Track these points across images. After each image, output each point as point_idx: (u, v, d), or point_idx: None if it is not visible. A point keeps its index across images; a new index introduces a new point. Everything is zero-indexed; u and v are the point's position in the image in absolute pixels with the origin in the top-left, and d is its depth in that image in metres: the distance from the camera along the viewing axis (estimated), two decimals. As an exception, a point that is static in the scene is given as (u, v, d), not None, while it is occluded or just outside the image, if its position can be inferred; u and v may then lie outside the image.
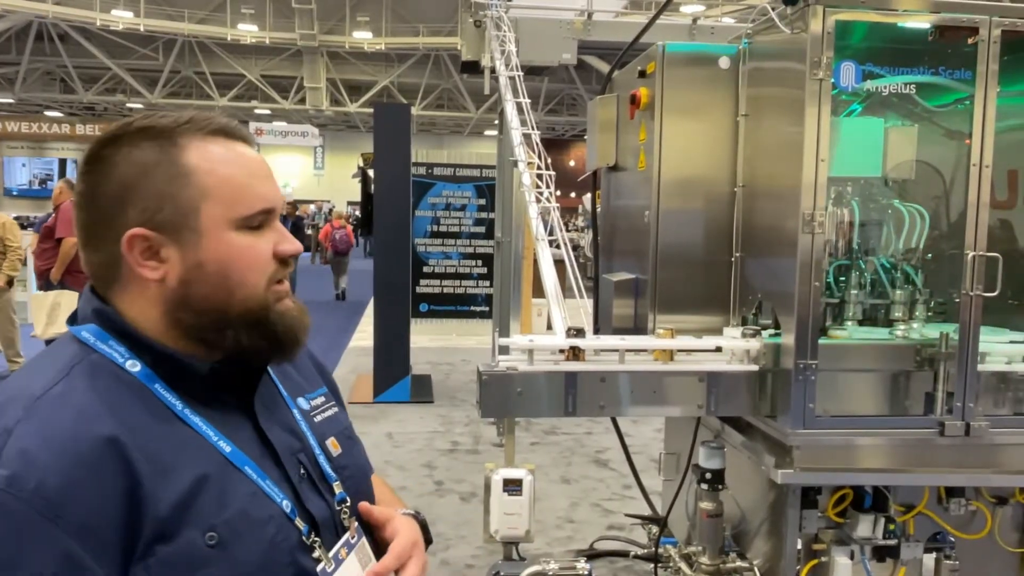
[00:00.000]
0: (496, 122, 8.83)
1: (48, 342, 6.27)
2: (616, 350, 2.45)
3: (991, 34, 2.22)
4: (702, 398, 2.39)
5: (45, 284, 6.91)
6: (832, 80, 2.19)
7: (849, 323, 2.51)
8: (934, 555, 2.47)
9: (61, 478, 0.85)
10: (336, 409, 1.23)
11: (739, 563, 2.57)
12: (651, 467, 4.46)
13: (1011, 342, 2.44)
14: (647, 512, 3.70)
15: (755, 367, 2.39)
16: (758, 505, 2.56)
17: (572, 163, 27.73)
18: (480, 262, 9.90)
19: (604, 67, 6.30)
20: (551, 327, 4.19)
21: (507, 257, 8.01)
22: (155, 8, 23.64)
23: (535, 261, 5.21)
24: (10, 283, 7.40)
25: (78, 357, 0.96)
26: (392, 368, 7.25)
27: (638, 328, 2.83)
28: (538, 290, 5.46)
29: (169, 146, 0.99)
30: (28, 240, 8.49)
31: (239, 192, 1.01)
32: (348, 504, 1.12)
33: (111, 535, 0.87)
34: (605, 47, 6.59)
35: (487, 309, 9.73)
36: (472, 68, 7.39)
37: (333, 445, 1.16)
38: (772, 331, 2.40)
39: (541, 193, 4.66)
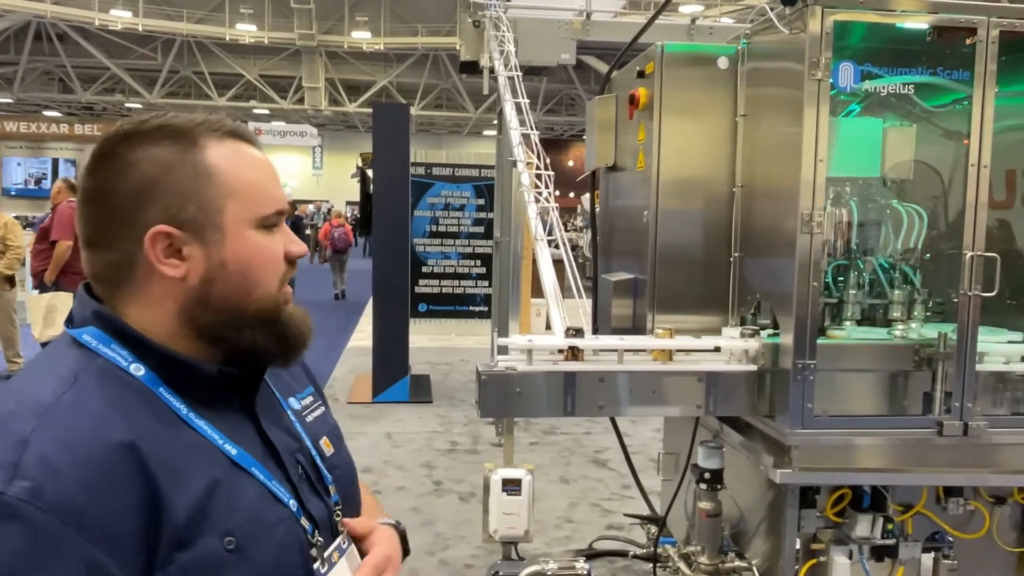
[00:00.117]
0: (495, 122, 8.84)
1: (45, 345, 6.26)
2: (615, 350, 2.46)
3: (989, 34, 2.23)
4: (701, 398, 2.39)
5: (40, 285, 6.89)
6: (831, 80, 2.19)
7: (848, 323, 2.51)
8: (932, 555, 2.47)
9: (83, 487, 0.84)
10: (324, 408, 1.24)
11: (738, 563, 2.57)
12: (650, 467, 4.47)
13: (1009, 342, 2.44)
14: (646, 512, 3.71)
15: (754, 367, 2.39)
16: (757, 505, 2.56)
17: (571, 163, 27.70)
18: (479, 262, 9.91)
19: (603, 67, 6.31)
20: (550, 327, 4.19)
21: (506, 257, 8.01)
22: (154, 8, 23.62)
23: (534, 261, 5.22)
24: (12, 283, 7.38)
25: (83, 362, 0.95)
26: (391, 368, 7.25)
27: (637, 328, 2.83)
28: (537, 290, 5.46)
29: (189, 145, 0.99)
30: (28, 239, 8.47)
31: (257, 193, 1.02)
32: (340, 507, 1.13)
33: (134, 543, 0.86)
34: (604, 47, 6.59)
35: (486, 309, 9.74)
36: (471, 68, 7.39)
37: (326, 445, 1.16)
38: (771, 331, 2.40)
39: (540, 193, 4.66)
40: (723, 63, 2.64)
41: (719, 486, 2.60)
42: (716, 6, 13.76)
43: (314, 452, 1.12)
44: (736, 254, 2.64)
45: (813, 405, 2.23)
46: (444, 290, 10.00)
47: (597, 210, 3.50)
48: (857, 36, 2.47)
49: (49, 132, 29.12)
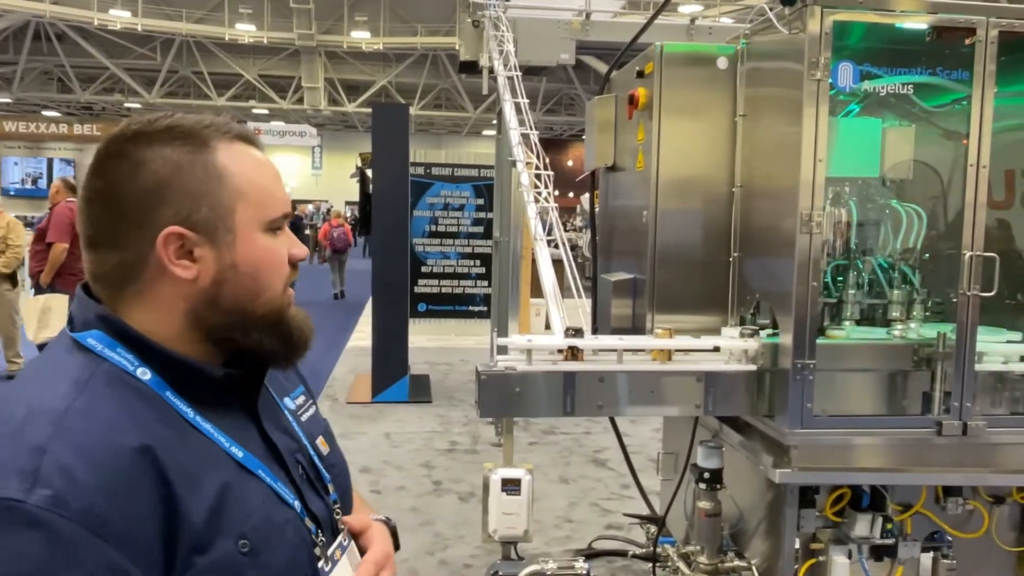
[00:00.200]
0: (494, 122, 8.83)
1: (41, 346, 6.24)
2: (614, 350, 2.46)
3: (988, 35, 2.23)
4: (700, 398, 2.40)
5: (36, 286, 6.89)
6: (830, 80, 2.19)
7: (847, 323, 2.51)
8: (931, 554, 2.47)
9: (104, 493, 0.84)
10: (315, 407, 1.24)
11: (737, 562, 2.57)
12: (649, 467, 4.47)
13: (1008, 342, 2.44)
14: (645, 512, 3.71)
15: (753, 367, 2.39)
16: (756, 504, 2.56)
17: (570, 163, 27.73)
18: (478, 262, 9.91)
19: (602, 67, 6.31)
20: (549, 327, 4.19)
21: (505, 257, 8.00)
22: (153, 8, 23.61)
23: (533, 261, 5.21)
24: (14, 282, 7.37)
25: (89, 366, 0.94)
26: (390, 368, 7.25)
27: (636, 328, 2.83)
28: (536, 290, 5.46)
29: (200, 146, 0.99)
30: (28, 239, 8.46)
31: (266, 196, 1.03)
32: (339, 505, 1.13)
33: (154, 547, 0.86)
34: (603, 47, 6.59)
35: (485, 309, 9.74)
36: (470, 68, 7.38)
37: (322, 444, 1.17)
38: (770, 331, 2.40)
39: (539, 193, 4.66)
40: (722, 63, 2.64)
41: (718, 486, 2.60)
42: (715, 6, 13.75)
43: (312, 452, 1.13)
44: (735, 254, 2.64)
45: (812, 405, 2.23)
46: (443, 290, 10.00)
47: (596, 210, 3.50)
48: (856, 36, 2.48)
49: (48, 132, 29.09)
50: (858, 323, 2.53)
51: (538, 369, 2.39)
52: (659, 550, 2.97)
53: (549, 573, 2.68)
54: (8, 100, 27.83)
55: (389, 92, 26.99)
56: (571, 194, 22.38)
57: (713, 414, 2.53)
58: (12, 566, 0.80)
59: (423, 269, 9.89)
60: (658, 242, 2.69)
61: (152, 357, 0.97)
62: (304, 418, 1.18)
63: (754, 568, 2.52)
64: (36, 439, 0.85)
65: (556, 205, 4.61)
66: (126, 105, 27.17)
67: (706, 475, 2.59)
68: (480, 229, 9.86)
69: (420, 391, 7.53)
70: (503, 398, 2.37)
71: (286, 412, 1.14)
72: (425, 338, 9.50)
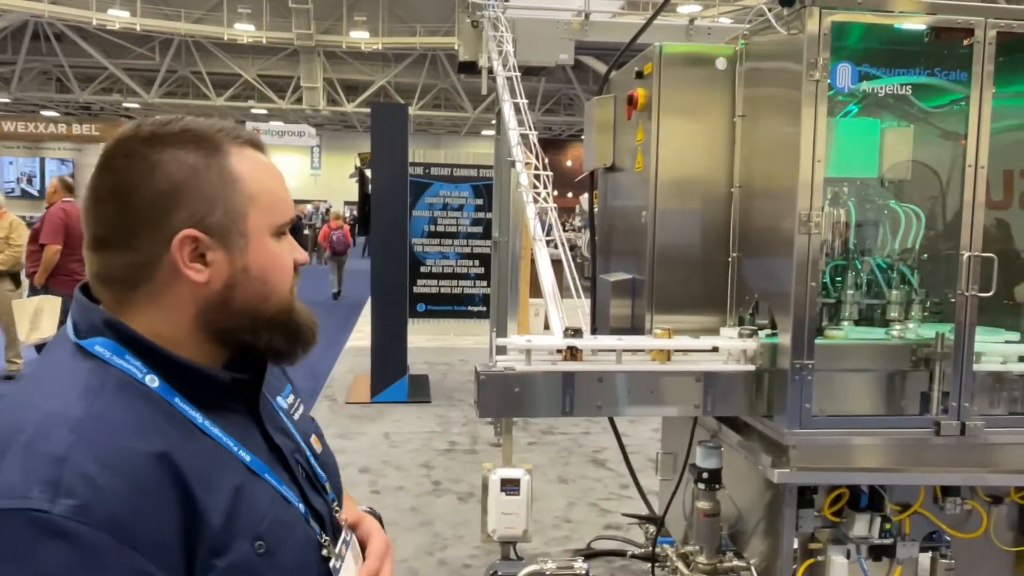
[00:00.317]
0: (493, 122, 8.83)
1: (38, 348, 6.22)
2: (613, 350, 2.46)
3: (986, 35, 2.23)
4: (699, 398, 2.40)
5: (32, 287, 6.88)
6: (828, 81, 2.19)
7: (845, 323, 2.52)
8: (930, 554, 2.48)
9: (126, 500, 0.84)
10: (304, 406, 1.25)
11: (736, 562, 2.57)
12: (648, 467, 4.46)
13: (1006, 342, 2.45)
14: (644, 512, 3.71)
15: (752, 367, 2.40)
16: (755, 504, 2.56)
17: (569, 163, 27.72)
18: (477, 262, 9.92)
19: (601, 68, 6.31)
20: (548, 327, 4.20)
21: (504, 257, 8.01)
22: (151, 8, 23.62)
23: (532, 261, 5.22)
24: (17, 282, 7.36)
25: (99, 374, 0.94)
26: (389, 368, 7.25)
27: (635, 328, 2.83)
28: (535, 290, 5.46)
29: (214, 150, 0.99)
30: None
31: (276, 201, 1.04)
32: (336, 503, 1.15)
33: (177, 551, 0.87)
34: (602, 48, 6.59)
35: (484, 309, 9.75)
36: (469, 68, 7.39)
37: (315, 443, 1.18)
38: (769, 331, 2.40)
39: (538, 193, 4.66)
40: (721, 64, 2.64)
41: (717, 486, 2.60)
42: (714, 6, 13.76)
43: (308, 451, 1.14)
44: (734, 254, 2.64)
45: (811, 405, 2.23)
46: (442, 290, 10.01)
47: (595, 210, 3.50)
48: (855, 37, 2.48)
49: (47, 132, 29.07)
50: (856, 323, 2.54)
51: (537, 369, 2.39)
52: (658, 550, 2.97)
53: (548, 573, 2.68)
54: (7, 100, 27.81)
55: (388, 92, 26.99)
56: (570, 194, 22.38)
57: (712, 414, 2.53)
58: None
59: (422, 269, 9.90)
60: (657, 242, 2.69)
61: (159, 363, 0.97)
62: (296, 417, 1.18)
63: (753, 568, 2.52)
64: (56, 448, 0.85)
65: (555, 205, 4.61)
66: (124, 105, 27.18)
67: (705, 475, 2.59)
68: (479, 229, 9.87)
69: (419, 391, 7.53)
70: (502, 398, 2.37)
71: (280, 412, 1.14)
72: (424, 338, 9.50)
